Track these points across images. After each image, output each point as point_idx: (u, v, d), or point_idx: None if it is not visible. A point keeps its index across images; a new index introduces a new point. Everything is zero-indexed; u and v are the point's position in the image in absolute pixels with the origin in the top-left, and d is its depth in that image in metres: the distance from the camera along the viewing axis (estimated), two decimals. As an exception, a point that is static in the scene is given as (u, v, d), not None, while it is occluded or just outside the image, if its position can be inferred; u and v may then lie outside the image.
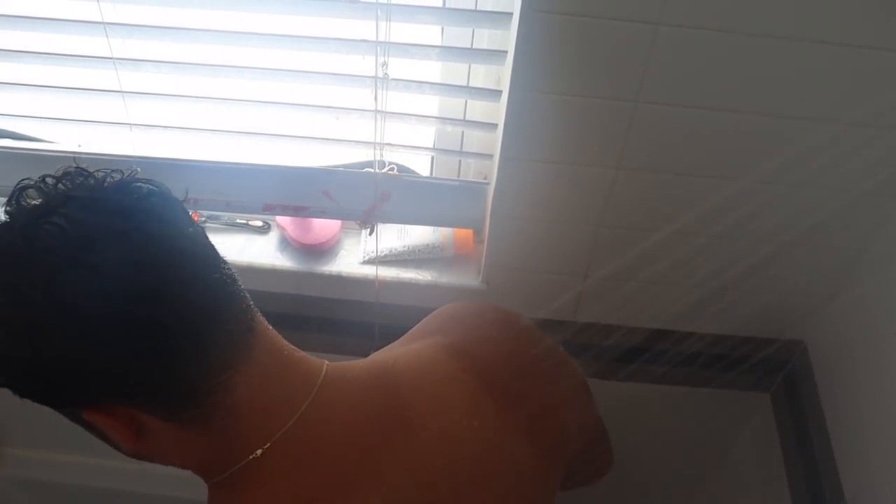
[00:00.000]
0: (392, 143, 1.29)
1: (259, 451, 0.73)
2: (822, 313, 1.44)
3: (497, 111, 1.24)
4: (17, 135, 1.42)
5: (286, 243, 1.47)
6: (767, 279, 1.39)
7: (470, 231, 1.46)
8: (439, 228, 1.46)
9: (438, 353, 0.86)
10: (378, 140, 1.27)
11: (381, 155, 1.30)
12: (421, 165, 1.46)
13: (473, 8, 1.24)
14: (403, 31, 1.17)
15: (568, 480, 0.97)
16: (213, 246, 0.73)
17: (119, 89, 1.27)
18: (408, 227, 1.48)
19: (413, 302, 1.47)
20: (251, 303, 0.75)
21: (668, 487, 1.94)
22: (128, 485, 2.07)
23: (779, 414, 1.59)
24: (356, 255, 1.47)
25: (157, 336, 0.65)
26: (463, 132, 1.39)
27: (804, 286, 1.40)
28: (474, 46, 1.28)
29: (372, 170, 1.32)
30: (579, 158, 1.23)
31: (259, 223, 1.50)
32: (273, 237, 1.49)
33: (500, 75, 1.25)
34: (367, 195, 1.34)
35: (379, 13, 1.13)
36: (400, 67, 1.20)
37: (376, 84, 1.21)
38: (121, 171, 0.71)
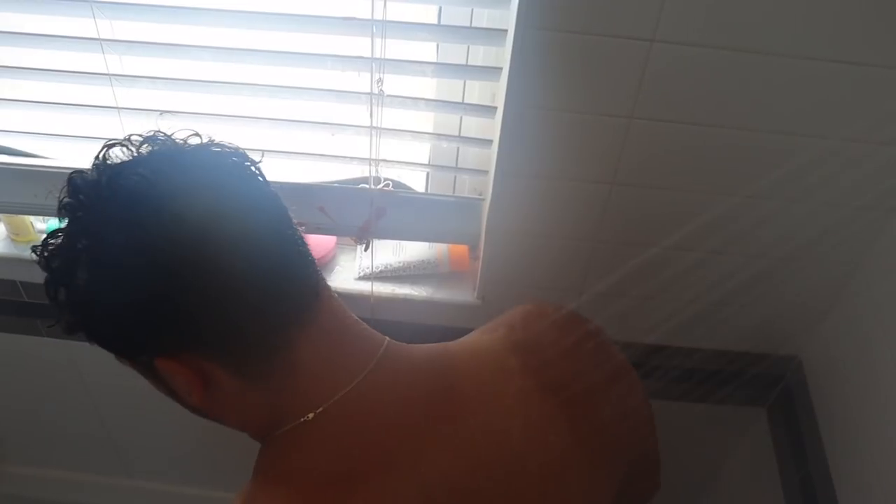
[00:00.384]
0: (387, 159, 1.29)
1: (311, 415, 0.74)
2: (817, 328, 1.44)
3: (492, 127, 1.24)
4: (12, 150, 1.42)
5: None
6: (762, 294, 1.39)
7: (465, 247, 1.46)
8: (435, 244, 1.46)
9: (499, 346, 0.87)
10: (373, 156, 1.27)
11: (377, 171, 1.30)
12: (416, 181, 1.46)
13: (468, 25, 1.24)
14: (399, 48, 1.17)
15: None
16: (286, 208, 0.76)
17: (115, 105, 1.27)
18: (403, 243, 1.48)
19: (408, 318, 1.47)
20: (319, 269, 0.78)
21: (664, 502, 1.93)
22: (120, 502, 2.07)
23: (774, 429, 1.58)
24: (351, 271, 1.47)
25: (232, 286, 0.68)
26: (458, 148, 1.39)
27: (799, 301, 1.40)
28: (469, 63, 1.28)
29: (367, 186, 1.32)
30: (574, 174, 1.23)
31: (254, 239, 1.49)
32: (268, 253, 1.49)
33: (495, 92, 1.25)
34: (363, 211, 1.34)
35: (374, 30, 1.14)
36: (395, 84, 1.21)
37: (372, 100, 1.21)
38: (199, 135, 0.76)
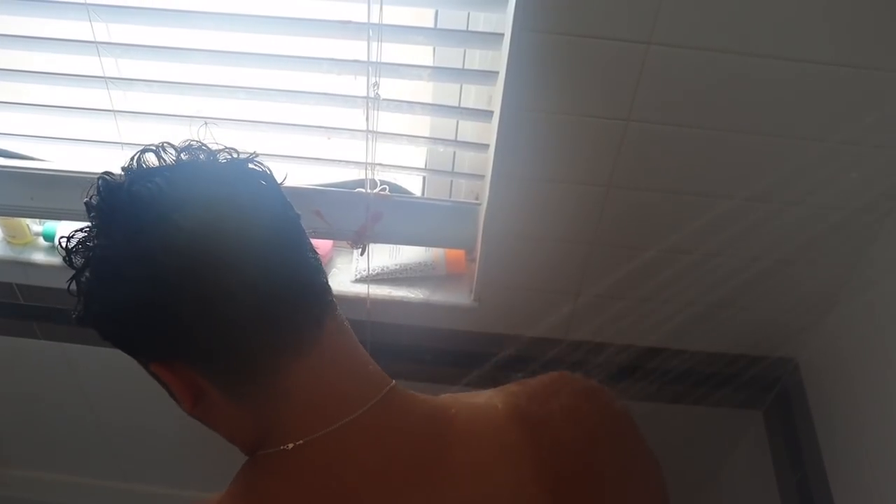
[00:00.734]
0: (384, 163, 1.29)
1: (291, 445, 0.73)
2: (814, 331, 1.44)
3: (489, 131, 1.24)
4: (8, 153, 1.42)
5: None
6: (759, 297, 1.39)
7: (462, 250, 1.46)
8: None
9: (503, 418, 0.80)
10: (370, 160, 1.27)
11: (373, 175, 1.30)
12: (413, 185, 1.46)
13: (465, 28, 1.24)
14: (395, 52, 1.17)
15: None
16: (305, 234, 0.77)
17: (111, 108, 1.27)
18: (400, 245, 1.48)
19: (405, 320, 1.47)
20: (332, 301, 0.78)
21: (661, 506, 1.93)
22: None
23: (771, 431, 1.59)
24: (348, 274, 1.47)
25: (226, 303, 0.68)
26: (455, 152, 1.39)
27: (795, 304, 1.40)
28: (466, 67, 1.28)
29: (363, 190, 1.32)
30: (571, 177, 1.23)
31: (251, 242, 1.49)
32: (265, 256, 1.49)
33: (492, 95, 1.25)
34: (359, 215, 1.34)
35: (371, 34, 1.14)
36: (392, 88, 1.21)
37: (368, 104, 1.21)
38: (237, 151, 0.76)
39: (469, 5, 1.19)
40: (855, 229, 1.28)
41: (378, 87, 1.19)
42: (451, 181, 1.46)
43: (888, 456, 1.22)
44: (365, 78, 1.19)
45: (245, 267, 0.69)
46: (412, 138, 1.29)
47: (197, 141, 0.76)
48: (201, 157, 0.75)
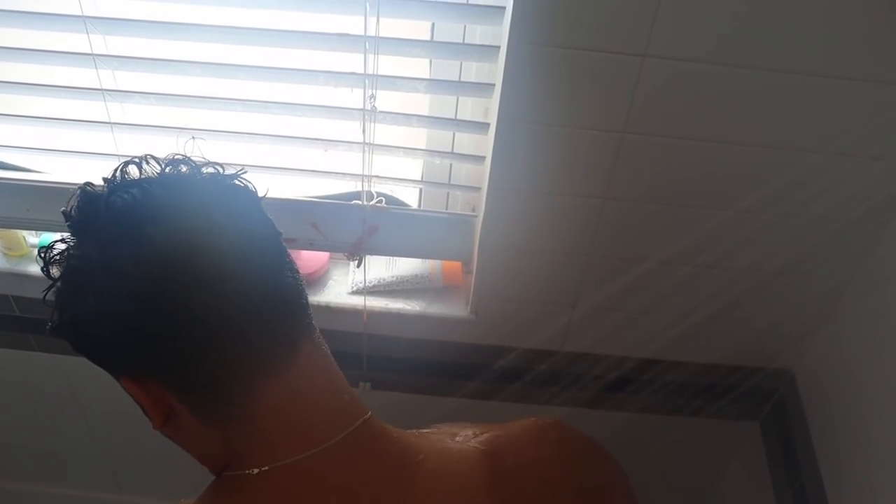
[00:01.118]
0: (380, 175, 1.29)
1: (255, 470, 0.72)
2: (810, 342, 1.44)
3: (485, 143, 1.25)
4: (4, 165, 1.42)
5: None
6: (755, 308, 1.39)
7: (458, 261, 1.46)
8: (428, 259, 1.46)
9: (473, 470, 0.77)
10: (366, 172, 1.28)
11: (370, 187, 1.30)
12: (409, 197, 1.46)
13: (461, 41, 1.25)
14: (392, 65, 1.18)
15: None
16: (286, 254, 0.75)
17: (108, 120, 1.27)
18: (396, 257, 1.48)
19: (401, 333, 1.47)
20: (310, 323, 0.76)
21: (658, 517, 1.93)
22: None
23: (768, 442, 1.58)
24: (344, 286, 1.47)
25: (196, 321, 0.66)
26: (451, 164, 1.40)
27: (791, 315, 1.41)
28: (462, 79, 1.29)
29: (360, 202, 1.32)
30: (567, 189, 1.24)
31: (247, 254, 1.49)
32: (261, 268, 1.49)
33: (488, 107, 1.26)
34: (356, 227, 1.34)
35: (367, 46, 1.14)
36: (388, 100, 1.21)
37: (364, 116, 1.21)
38: (222, 166, 0.74)
39: (465, 18, 1.19)
40: (851, 240, 1.28)
41: (375, 100, 1.19)
42: (448, 193, 1.46)
43: (885, 466, 1.22)
44: (362, 90, 1.19)
45: (217, 284, 0.67)
46: (409, 150, 1.29)
47: (182, 154, 0.74)
48: (184, 169, 0.73)
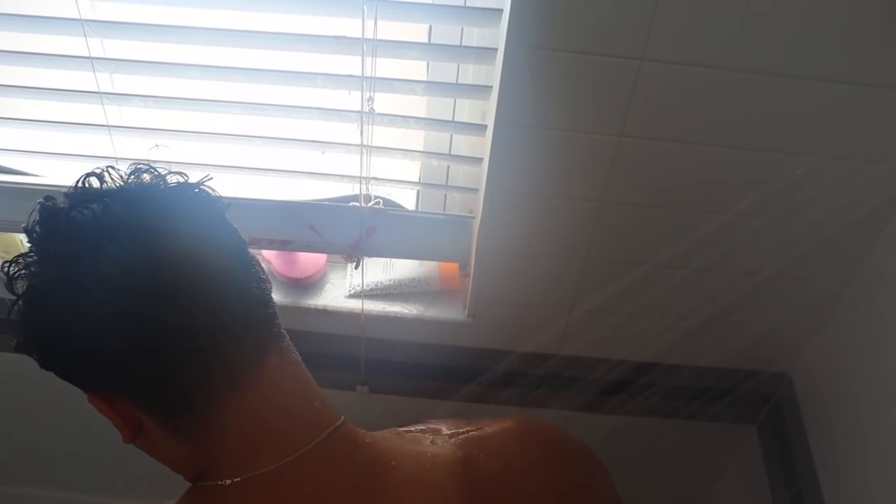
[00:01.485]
0: (378, 177, 1.29)
1: (228, 482, 0.71)
2: (807, 345, 1.44)
3: (482, 145, 1.25)
4: (1, 168, 1.42)
5: (272, 277, 1.46)
6: (752, 312, 1.40)
7: (456, 265, 1.46)
8: (425, 262, 1.46)
9: (445, 474, 0.77)
10: (364, 174, 1.28)
11: (367, 189, 1.30)
12: (407, 199, 1.46)
13: (459, 44, 1.25)
14: (389, 67, 1.18)
15: None
16: (251, 264, 0.74)
17: (106, 123, 1.27)
18: (394, 260, 1.48)
19: (399, 336, 1.47)
20: (278, 332, 0.75)
21: (656, 521, 1.93)
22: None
23: (765, 446, 1.58)
24: (342, 289, 1.47)
25: (159, 338, 0.66)
26: (448, 166, 1.40)
27: (789, 318, 1.41)
28: (459, 81, 1.29)
29: (358, 204, 1.32)
30: (565, 192, 1.24)
31: (245, 257, 1.49)
32: (259, 271, 1.49)
33: (486, 110, 1.26)
34: (353, 229, 1.34)
35: (365, 48, 1.14)
36: (386, 102, 1.21)
37: (362, 118, 1.21)
38: (185, 175, 0.73)
39: (463, 21, 1.19)
40: (848, 244, 1.28)
41: (372, 102, 1.19)
42: (445, 195, 1.46)
43: (882, 469, 1.22)
44: (359, 93, 1.19)
45: (180, 300, 0.66)
46: (406, 152, 1.29)
47: (146, 163, 0.73)
48: (146, 179, 0.72)
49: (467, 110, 1.32)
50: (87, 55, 1.20)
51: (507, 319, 1.43)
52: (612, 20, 1.05)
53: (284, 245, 1.37)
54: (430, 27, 1.25)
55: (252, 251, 1.37)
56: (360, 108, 1.20)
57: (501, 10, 1.10)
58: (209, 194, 0.73)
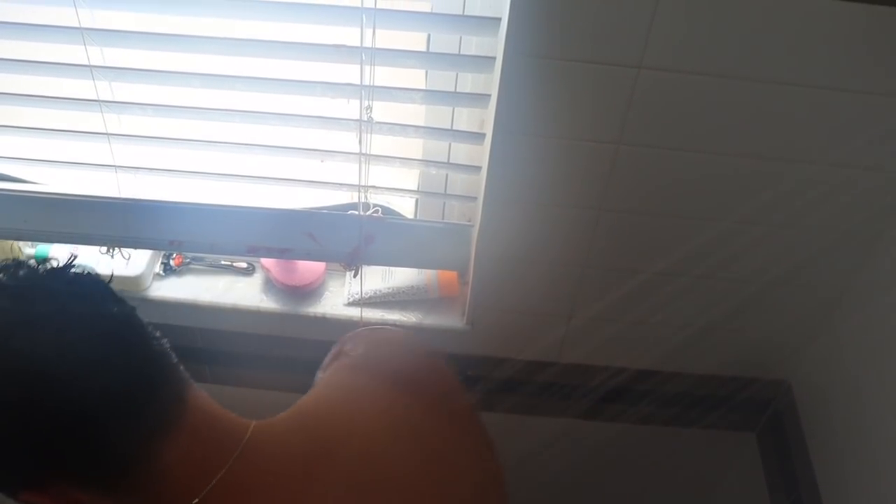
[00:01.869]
0: (376, 185, 1.29)
1: (195, 501, 0.73)
2: (806, 352, 1.44)
3: (481, 154, 1.25)
4: (1, 175, 1.42)
5: (271, 285, 1.46)
6: (751, 319, 1.40)
7: (454, 273, 1.46)
8: (424, 270, 1.46)
9: (353, 378, 0.88)
10: (362, 182, 1.28)
11: (366, 197, 1.30)
12: (405, 208, 1.46)
13: (457, 52, 1.25)
14: (388, 75, 1.18)
15: None
16: (143, 324, 0.75)
17: (105, 131, 1.27)
18: (392, 268, 1.48)
19: (398, 343, 1.46)
20: (182, 372, 0.77)
21: (655, 529, 1.93)
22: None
23: (764, 453, 1.58)
24: (341, 297, 1.47)
25: (76, 419, 0.67)
26: (447, 175, 1.40)
27: (787, 326, 1.41)
28: (458, 90, 1.29)
29: (356, 212, 1.32)
30: (563, 200, 1.24)
31: (243, 265, 1.50)
32: (257, 279, 1.49)
33: (484, 118, 1.26)
34: (352, 237, 1.34)
35: (364, 57, 1.14)
36: (384, 111, 1.21)
37: (361, 127, 1.21)
38: (55, 259, 0.75)
39: (461, 30, 1.20)
40: (847, 251, 1.28)
41: (371, 111, 1.19)
42: (444, 203, 1.46)
43: (883, 477, 1.22)
44: (358, 101, 1.19)
45: (101, 375, 0.68)
46: (405, 161, 1.30)
47: (12, 259, 0.74)
48: (21, 273, 0.72)
49: (466, 119, 1.32)
50: (87, 63, 1.20)
51: (505, 327, 1.43)
52: (610, 29, 1.05)
53: (283, 253, 1.37)
54: (429, 36, 1.25)
55: (251, 259, 1.38)
56: (358, 117, 1.21)
57: (500, 19, 1.10)
58: (86, 272, 0.75)
